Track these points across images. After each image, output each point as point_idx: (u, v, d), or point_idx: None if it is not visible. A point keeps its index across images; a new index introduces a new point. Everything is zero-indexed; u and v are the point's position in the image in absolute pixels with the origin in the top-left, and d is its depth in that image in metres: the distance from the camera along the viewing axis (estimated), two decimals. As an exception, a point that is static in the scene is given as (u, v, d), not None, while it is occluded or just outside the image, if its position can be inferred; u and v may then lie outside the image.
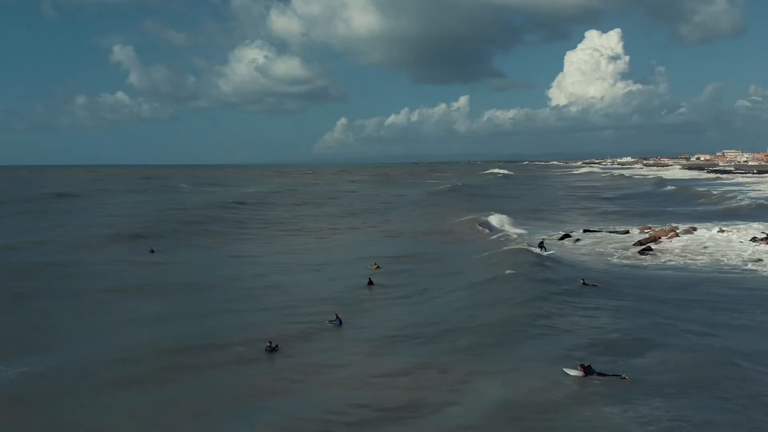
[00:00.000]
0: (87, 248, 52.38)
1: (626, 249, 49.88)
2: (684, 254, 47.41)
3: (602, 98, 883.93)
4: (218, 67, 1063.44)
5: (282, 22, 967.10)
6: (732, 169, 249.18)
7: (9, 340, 27.09)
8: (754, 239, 51.16)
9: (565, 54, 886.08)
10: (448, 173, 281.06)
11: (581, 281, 35.60)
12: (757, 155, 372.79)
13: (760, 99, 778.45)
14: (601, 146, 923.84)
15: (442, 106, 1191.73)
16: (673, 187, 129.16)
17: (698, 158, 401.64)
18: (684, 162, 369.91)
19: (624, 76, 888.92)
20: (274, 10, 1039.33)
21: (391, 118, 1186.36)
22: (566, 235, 56.67)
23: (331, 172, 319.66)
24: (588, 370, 20.36)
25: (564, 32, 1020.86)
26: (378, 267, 42.70)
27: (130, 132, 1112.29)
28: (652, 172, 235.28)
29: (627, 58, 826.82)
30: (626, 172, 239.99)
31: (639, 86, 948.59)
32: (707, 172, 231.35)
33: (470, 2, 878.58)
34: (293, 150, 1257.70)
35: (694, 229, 58.00)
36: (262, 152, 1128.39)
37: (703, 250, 48.64)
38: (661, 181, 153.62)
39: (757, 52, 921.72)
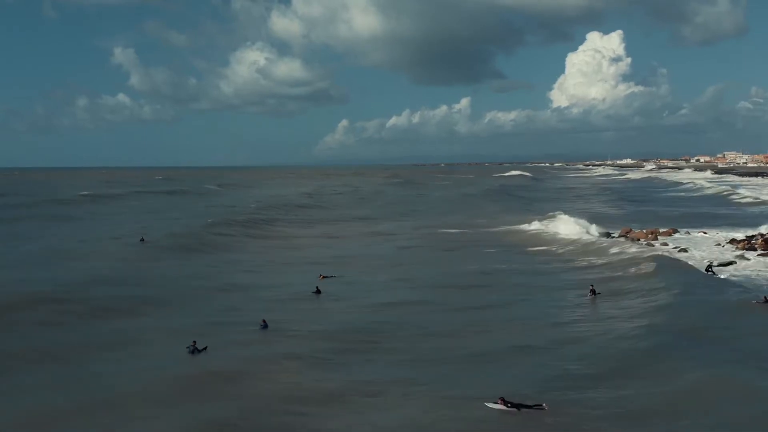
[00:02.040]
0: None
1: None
2: None
3: (603, 100, 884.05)
4: (219, 68, 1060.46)
5: (283, 24, 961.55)
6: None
7: None
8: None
9: (566, 55, 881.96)
10: (468, 174, 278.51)
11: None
12: (756, 157, 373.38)
13: (761, 100, 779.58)
14: (602, 148, 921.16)
15: (444, 107, 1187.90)
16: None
17: (698, 160, 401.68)
18: (695, 164, 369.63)
19: (625, 77, 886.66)
20: (274, 11, 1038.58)
21: (392, 120, 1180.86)
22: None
23: (345, 173, 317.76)
24: (508, 403, 19.83)
25: (566, 33, 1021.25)
26: (324, 278, 41.07)
27: (131, 133, 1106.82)
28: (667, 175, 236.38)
29: (628, 59, 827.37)
30: (635, 175, 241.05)
31: (640, 88, 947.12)
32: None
33: (472, 3, 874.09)
34: (294, 152, 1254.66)
35: (675, 231, 59.85)
36: (263, 154, 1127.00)
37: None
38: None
39: (759, 53, 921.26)
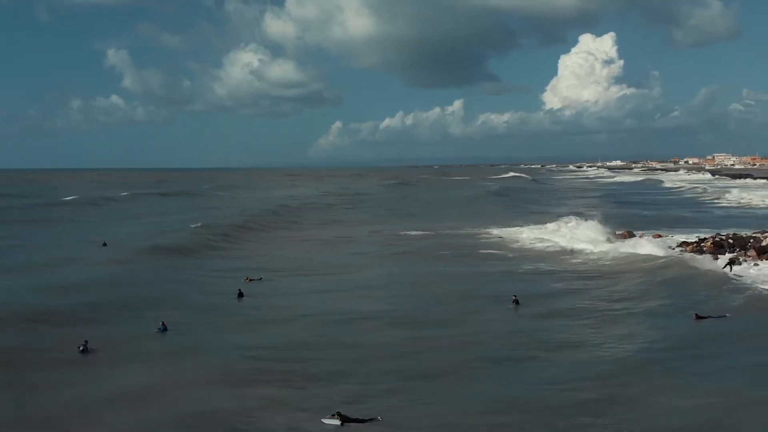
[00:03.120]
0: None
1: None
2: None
3: (596, 102, 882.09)
4: (213, 70, 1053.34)
5: (276, 26, 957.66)
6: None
7: None
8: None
9: (559, 58, 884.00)
10: (469, 176, 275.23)
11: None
12: (744, 158, 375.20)
13: (753, 102, 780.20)
14: (595, 149, 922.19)
15: (437, 109, 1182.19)
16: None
17: (686, 161, 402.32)
18: (684, 165, 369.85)
19: (618, 80, 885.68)
20: (268, 13, 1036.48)
21: (386, 122, 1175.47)
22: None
23: (345, 174, 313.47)
24: (344, 418, 19.23)
25: (559, 36, 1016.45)
26: (250, 280, 40.86)
27: (125, 135, 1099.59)
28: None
29: (621, 62, 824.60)
30: (626, 178, 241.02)
31: (633, 90, 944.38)
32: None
33: (466, 5, 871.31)
34: (288, 153, 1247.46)
35: (632, 234, 58.46)
36: (257, 155, 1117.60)
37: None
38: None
39: (751, 55, 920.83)
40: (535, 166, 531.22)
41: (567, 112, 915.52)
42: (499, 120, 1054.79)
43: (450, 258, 51.31)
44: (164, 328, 29.36)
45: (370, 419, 19.48)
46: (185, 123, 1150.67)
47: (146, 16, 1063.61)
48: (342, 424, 19.25)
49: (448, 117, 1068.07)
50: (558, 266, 46.73)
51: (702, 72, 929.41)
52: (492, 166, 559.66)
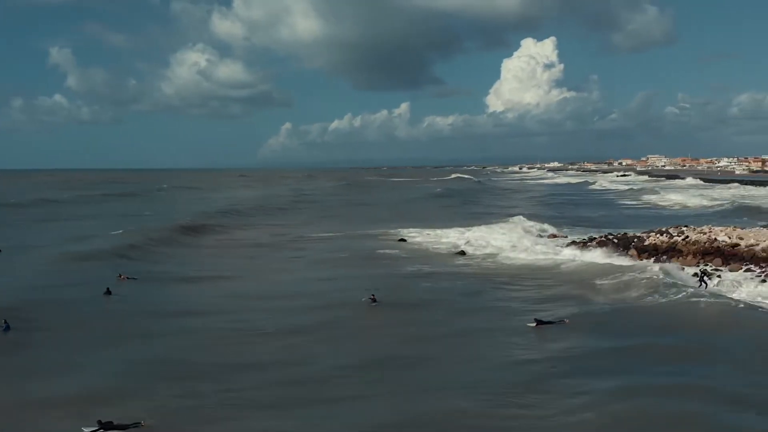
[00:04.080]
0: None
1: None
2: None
3: (537, 105, 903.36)
4: (160, 70, 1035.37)
5: (224, 26, 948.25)
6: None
7: None
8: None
9: (502, 62, 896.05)
10: (415, 178, 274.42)
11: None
12: (675, 160, 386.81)
13: (688, 106, 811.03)
14: (536, 151, 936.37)
15: (384, 112, 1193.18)
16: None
17: (620, 163, 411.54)
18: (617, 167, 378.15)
19: (559, 83, 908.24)
20: (216, 13, 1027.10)
21: (335, 124, 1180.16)
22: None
23: (294, 176, 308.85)
24: (106, 425, 18.51)
25: (502, 40, 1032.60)
26: (125, 278, 39.95)
27: (70, 135, 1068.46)
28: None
29: (562, 66, 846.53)
30: (562, 179, 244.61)
31: (573, 93, 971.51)
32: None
33: (412, 9, 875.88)
34: (238, 154, 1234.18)
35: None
36: (206, 156, 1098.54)
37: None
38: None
39: (686, 60, 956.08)
40: (479, 167, 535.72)
41: (509, 115, 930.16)
42: (444, 123, 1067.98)
43: (338, 261, 50.13)
44: (6, 327, 27.67)
45: (134, 424, 18.69)
46: (133, 123, 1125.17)
47: (91, 14, 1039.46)
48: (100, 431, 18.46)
49: (395, 119, 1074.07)
50: (440, 268, 45.99)
51: (639, 76, 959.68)
52: (437, 168, 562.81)
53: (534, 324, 29.02)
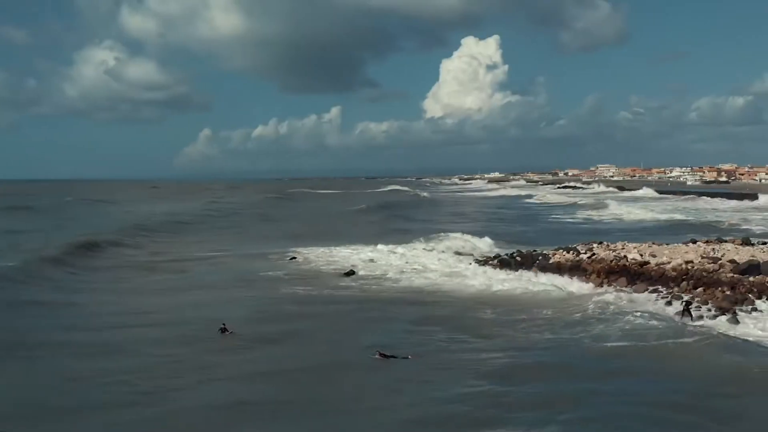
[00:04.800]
0: None
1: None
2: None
3: (479, 109, 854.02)
4: (62, 68, 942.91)
5: (135, 21, 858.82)
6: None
7: None
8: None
9: (441, 62, 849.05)
10: (346, 190, 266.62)
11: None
12: (624, 170, 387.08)
13: (642, 110, 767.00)
14: (477, 161, 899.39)
15: (313, 117, 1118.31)
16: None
17: (566, 173, 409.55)
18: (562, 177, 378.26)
19: (502, 86, 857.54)
20: (125, 7, 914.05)
21: (259, 130, 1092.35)
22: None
23: (214, 188, 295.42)
24: None
25: (441, 39, 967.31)
26: None
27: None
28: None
29: (506, 67, 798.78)
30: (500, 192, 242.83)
31: (518, 97, 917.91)
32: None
33: (343, 5, 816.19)
34: (151, 163, 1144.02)
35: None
36: (116, 166, 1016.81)
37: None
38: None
39: (640, 60, 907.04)
40: (416, 178, 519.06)
41: (449, 121, 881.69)
42: (378, 129, 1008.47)
43: (213, 284, 44.48)
44: None
45: None
46: (32, 128, 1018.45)
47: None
48: None
49: (325, 125, 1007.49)
50: (319, 291, 40.99)
51: (589, 77, 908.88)
52: (371, 178, 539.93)
53: (377, 356, 25.98)
